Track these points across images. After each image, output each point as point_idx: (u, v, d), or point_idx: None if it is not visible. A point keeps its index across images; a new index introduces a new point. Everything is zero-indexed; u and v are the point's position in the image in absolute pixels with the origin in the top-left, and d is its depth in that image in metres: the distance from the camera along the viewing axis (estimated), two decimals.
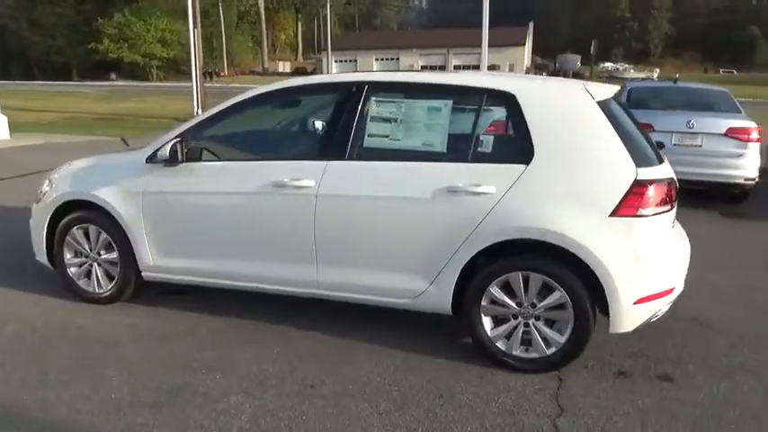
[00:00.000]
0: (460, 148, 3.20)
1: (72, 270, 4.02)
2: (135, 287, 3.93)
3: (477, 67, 59.54)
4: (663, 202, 3.02)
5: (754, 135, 6.92)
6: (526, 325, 3.13)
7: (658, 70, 58.35)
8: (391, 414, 2.79)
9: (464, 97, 3.32)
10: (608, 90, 3.25)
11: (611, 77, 53.60)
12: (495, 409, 2.85)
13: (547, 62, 61.67)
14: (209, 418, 2.72)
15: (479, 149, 3.16)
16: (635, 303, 2.97)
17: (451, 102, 3.25)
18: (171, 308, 3.94)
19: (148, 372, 3.13)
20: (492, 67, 58.73)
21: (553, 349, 3.09)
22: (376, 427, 2.68)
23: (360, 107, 3.32)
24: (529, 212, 3.01)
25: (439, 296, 3.23)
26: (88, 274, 3.99)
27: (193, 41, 18.45)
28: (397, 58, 60.55)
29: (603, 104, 3.12)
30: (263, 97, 3.62)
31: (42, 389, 2.96)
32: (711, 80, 43.93)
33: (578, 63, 57.62)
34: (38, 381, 3.03)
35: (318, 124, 3.85)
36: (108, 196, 3.74)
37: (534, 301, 3.09)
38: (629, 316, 3.00)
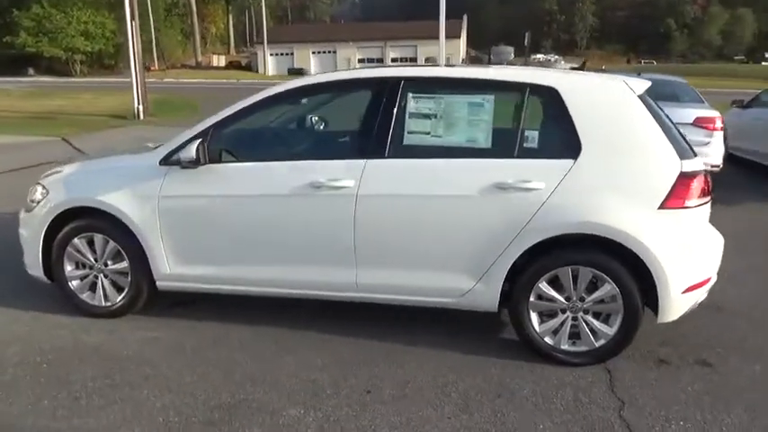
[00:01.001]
0: (506, 144, 3.16)
1: (74, 283, 3.72)
2: (147, 298, 3.68)
3: (414, 60, 60.03)
4: (703, 194, 3.10)
5: (718, 124, 7.29)
6: (574, 319, 3.14)
7: (587, 62, 60.66)
8: (459, 417, 2.74)
9: (506, 92, 3.28)
10: (644, 84, 3.29)
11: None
12: (558, 405, 2.85)
13: (480, 54, 62.84)
14: None
15: (525, 145, 3.13)
16: (683, 293, 3.04)
17: (493, 97, 3.21)
18: (188, 318, 3.71)
19: (190, 389, 2.93)
20: (429, 60, 59.34)
21: (602, 341, 3.13)
22: None
23: (398, 103, 3.22)
24: (580, 207, 3.01)
25: (487, 294, 3.19)
26: (93, 287, 3.71)
27: (131, 34, 17.53)
28: (334, 52, 59.97)
29: (642, 98, 3.16)
30: (291, 93, 3.45)
31: (77, 416, 2.72)
32: (641, 70, 45.92)
33: (512, 55, 59.10)
34: (69, 407, 2.78)
35: (315, 120, 3.75)
36: (118, 202, 3.47)
37: (583, 294, 3.11)
38: (677, 305, 3.07)
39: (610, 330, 3.10)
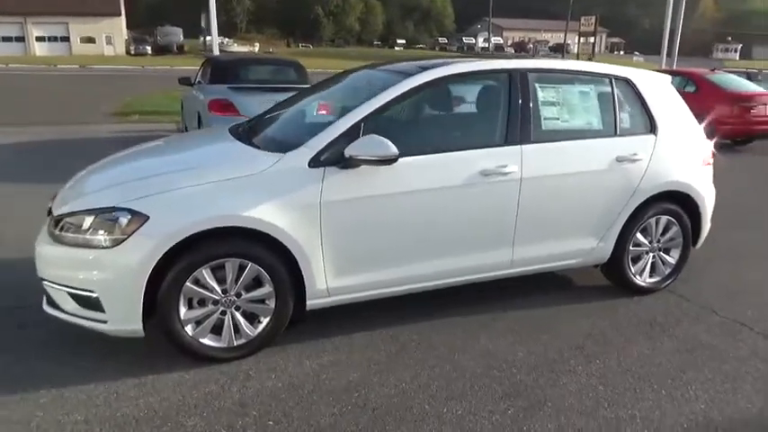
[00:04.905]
0: (610, 125, 3.82)
1: (189, 328, 2.99)
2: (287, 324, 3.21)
3: (67, 39, 52.24)
4: None
5: None
6: (654, 257, 4.07)
7: (258, 44, 62.29)
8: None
9: (600, 82, 3.89)
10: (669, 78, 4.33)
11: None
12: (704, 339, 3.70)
13: (145, 35, 58.37)
14: None
15: (622, 125, 3.84)
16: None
17: (593, 86, 3.83)
18: (339, 334, 3.37)
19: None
20: (90, 39, 52.43)
21: (668, 270, 4.13)
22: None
23: (533, 92, 3.55)
24: (666, 171, 3.89)
25: (604, 249, 3.86)
26: (215, 327, 3.05)
27: None
28: None
29: None
30: (432, 84, 3.37)
31: None
32: (296, 54, 49.98)
33: (181, 36, 56.62)
34: None
35: (456, 108, 3.81)
36: (271, 217, 2.93)
37: (659, 237, 4.05)
38: (706, 233, 4.26)
39: (673, 261, 4.13)
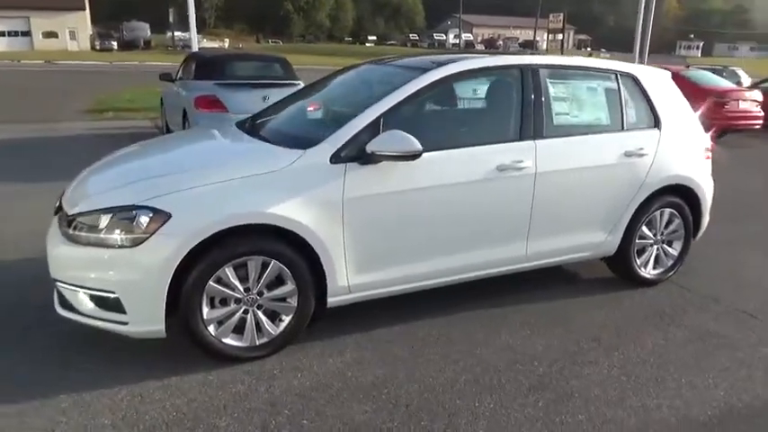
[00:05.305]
0: (616, 120, 3.87)
1: (211, 327, 2.94)
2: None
3: (28, 34, 50.67)
4: None
5: None
6: (658, 249, 4.16)
7: (228, 40, 61.42)
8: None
9: (606, 78, 3.94)
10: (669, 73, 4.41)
11: (185, 47, 53.78)
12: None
13: (110, 30, 56.98)
14: None
15: (628, 120, 3.90)
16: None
17: (600, 81, 3.89)
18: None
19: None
20: (52, 34, 51.05)
21: (671, 261, 4.22)
22: None
23: (544, 87, 3.58)
24: (670, 165, 3.97)
25: (612, 243, 3.92)
26: (237, 326, 3.00)
27: None
28: None
29: None
30: (450, 79, 3.38)
31: None
32: (267, 50, 49.69)
33: (148, 31, 55.50)
34: None
35: (469, 103, 3.81)
36: (295, 214, 2.90)
37: (663, 229, 4.14)
38: (705, 225, 4.37)
39: (675, 252, 4.22)
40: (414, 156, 3.01)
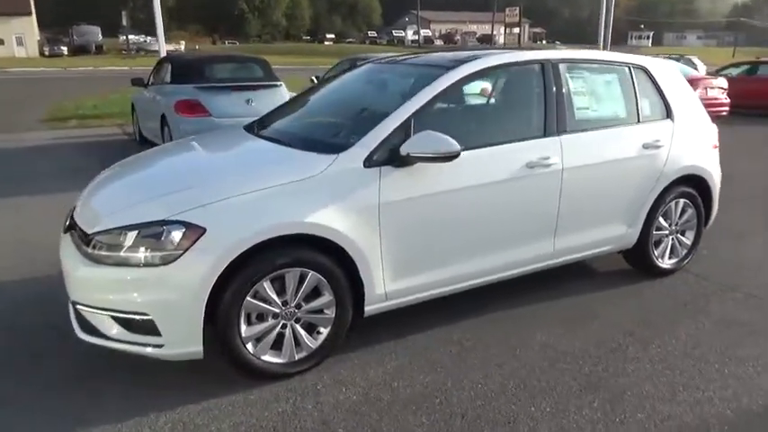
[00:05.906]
0: (632, 113, 3.87)
1: (249, 346, 2.80)
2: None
3: None
4: None
5: None
6: (672, 239, 4.19)
7: (184, 42, 60.04)
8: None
9: (620, 71, 3.93)
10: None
11: (140, 50, 52.41)
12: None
13: (59, 35, 55.03)
14: None
15: (643, 113, 3.91)
16: None
17: (615, 74, 3.88)
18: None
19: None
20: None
21: (684, 251, 4.27)
22: None
23: (565, 82, 3.55)
24: (684, 156, 3.99)
25: (632, 235, 3.92)
26: (275, 342, 2.87)
27: None
28: None
29: None
30: (475, 76, 3.30)
31: None
32: (226, 50, 48.73)
33: (99, 35, 53.80)
34: None
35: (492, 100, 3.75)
36: (332, 221, 2.78)
37: (678, 220, 4.17)
38: (715, 214, 4.43)
39: (689, 242, 4.27)
40: (452, 156, 2.92)
